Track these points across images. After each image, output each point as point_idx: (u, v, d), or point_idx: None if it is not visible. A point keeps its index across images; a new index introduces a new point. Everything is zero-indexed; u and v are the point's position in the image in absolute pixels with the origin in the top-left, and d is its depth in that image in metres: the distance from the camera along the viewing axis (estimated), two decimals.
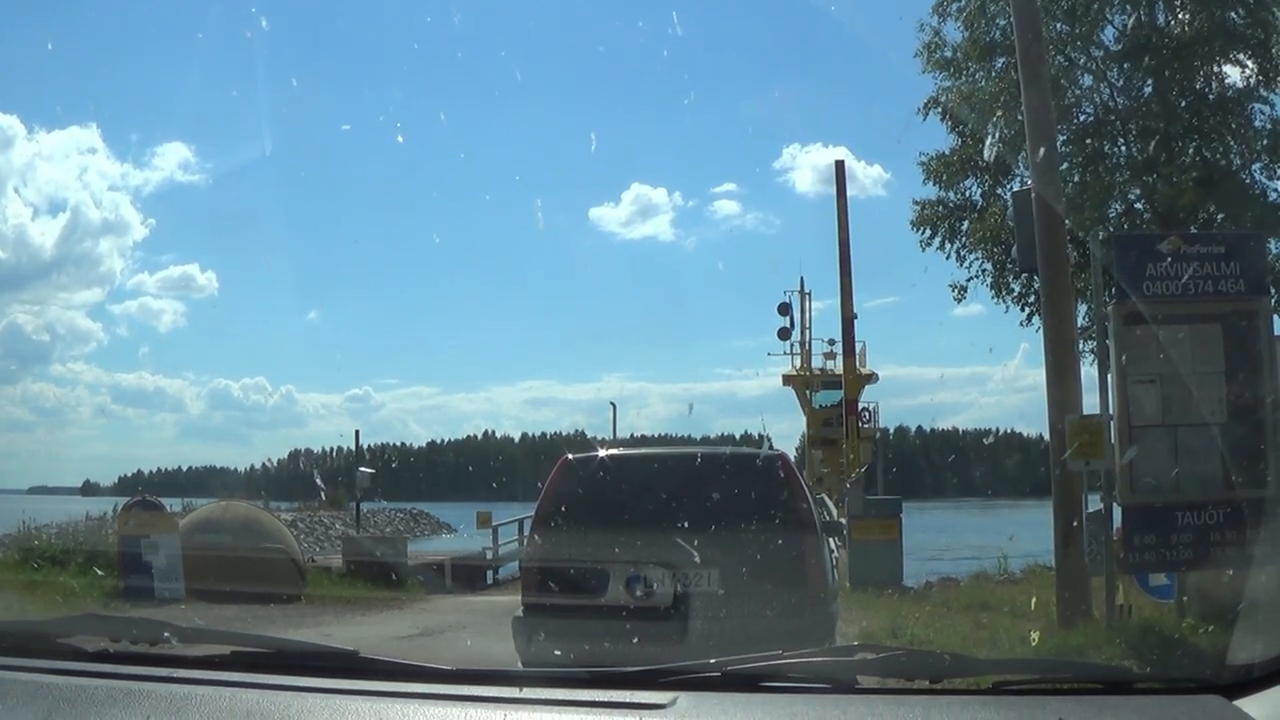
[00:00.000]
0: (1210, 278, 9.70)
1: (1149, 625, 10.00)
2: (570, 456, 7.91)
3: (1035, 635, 10.14)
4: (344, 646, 2.84)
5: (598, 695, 2.41)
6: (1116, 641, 9.35)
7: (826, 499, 27.07)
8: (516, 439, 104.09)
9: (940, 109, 19.47)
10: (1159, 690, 2.44)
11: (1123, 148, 19.14)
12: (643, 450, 10.09)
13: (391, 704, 2.39)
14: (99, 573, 15.68)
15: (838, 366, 36.19)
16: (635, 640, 6.00)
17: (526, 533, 25.88)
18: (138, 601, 14.14)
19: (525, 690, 2.46)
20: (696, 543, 6.74)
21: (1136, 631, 9.72)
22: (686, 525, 6.93)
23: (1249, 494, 9.36)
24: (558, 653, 5.08)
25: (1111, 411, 9.92)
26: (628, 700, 2.36)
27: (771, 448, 8.85)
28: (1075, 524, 10.83)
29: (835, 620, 7.80)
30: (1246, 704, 2.24)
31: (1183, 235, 10.71)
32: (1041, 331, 12.10)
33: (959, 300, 20.64)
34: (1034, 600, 11.93)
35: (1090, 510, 11.10)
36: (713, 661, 2.50)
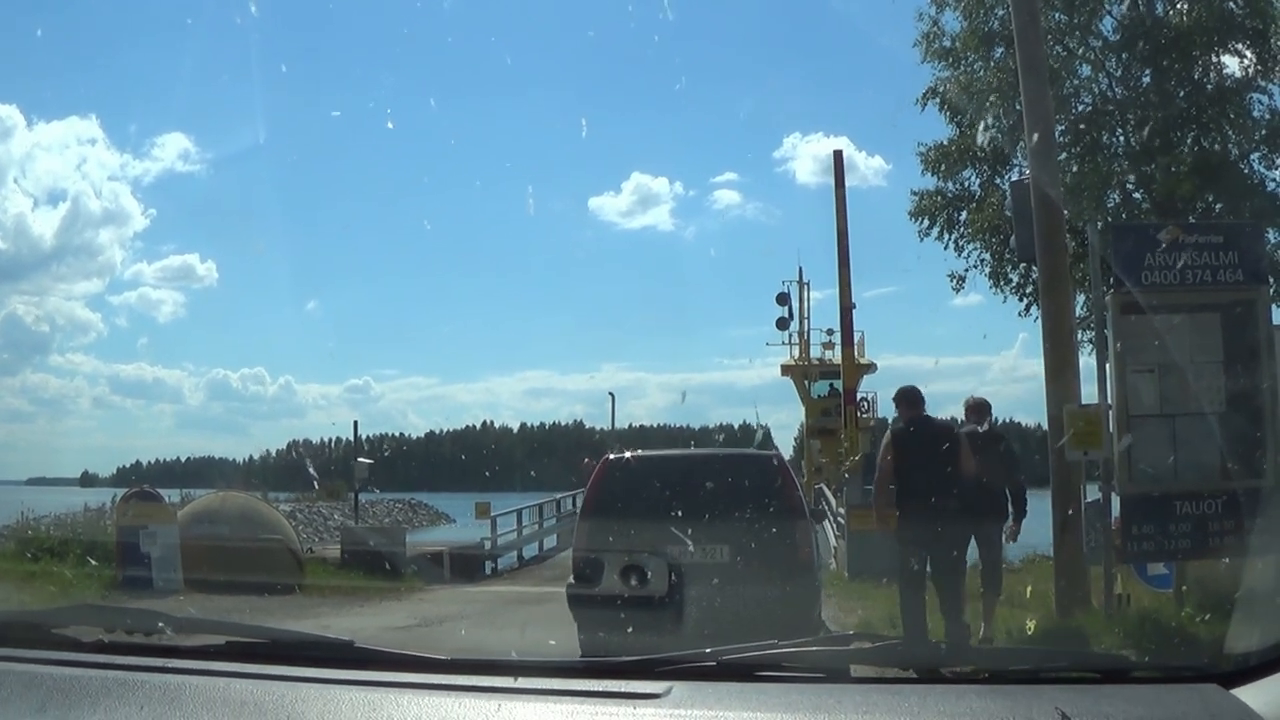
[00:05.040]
0: (1208, 267, 9.69)
1: (1147, 615, 9.99)
2: (611, 456, 10.09)
3: (1031, 624, 10.16)
4: (339, 637, 2.83)
5: (592, 685, 2.41)
6: (1115, 631, 9.36)
7: (825, 489, 27.09)
8: (515, 429, 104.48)
9: (939, 99, 19.43)
10: (1156, 679, 2.43)
11: (1120, 138, 19.10)
12: (667, 451, 12.21)
13: (386, 694, 2.39)
14: (96, 563, 15.69)
15: (836, 356, 36.21)
16: (660, 590, 7.75)
17: (538, 520, 26.33)
18: (136, 592, 14.16)
19: (520, 680, 2.46)
20: (713, 525, 8.77)
21: (1135, 621, 9.72)
22: (704, 511, 8.86)
23: (1247, 484, 9.37)
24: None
25: (1110, 401, 9.92)
26: (622, 690, 2.36)
27: (770, 442, 10.97)
28: (1071, 512, 10.84)
29: (820, 587, 10.17)
30: (1243, 693, 2.23)
31: (1181, 225, 10.69)
32: (1040, 321, 12.08)
33: (957, 290, 20.67)
34: (1029, 589, 11.94)
35: (1089, 500, 11.11)
36: (708, 651, 2.50)
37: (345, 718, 2.30)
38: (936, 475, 9.02)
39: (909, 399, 9.65)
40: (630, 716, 2.23)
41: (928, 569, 9.18)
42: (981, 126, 18.01)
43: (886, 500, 9.58)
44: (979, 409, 10.69)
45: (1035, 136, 11.46)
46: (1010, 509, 10.35)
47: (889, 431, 9.92)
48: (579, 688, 2.40)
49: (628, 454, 10.35)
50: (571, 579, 9.28)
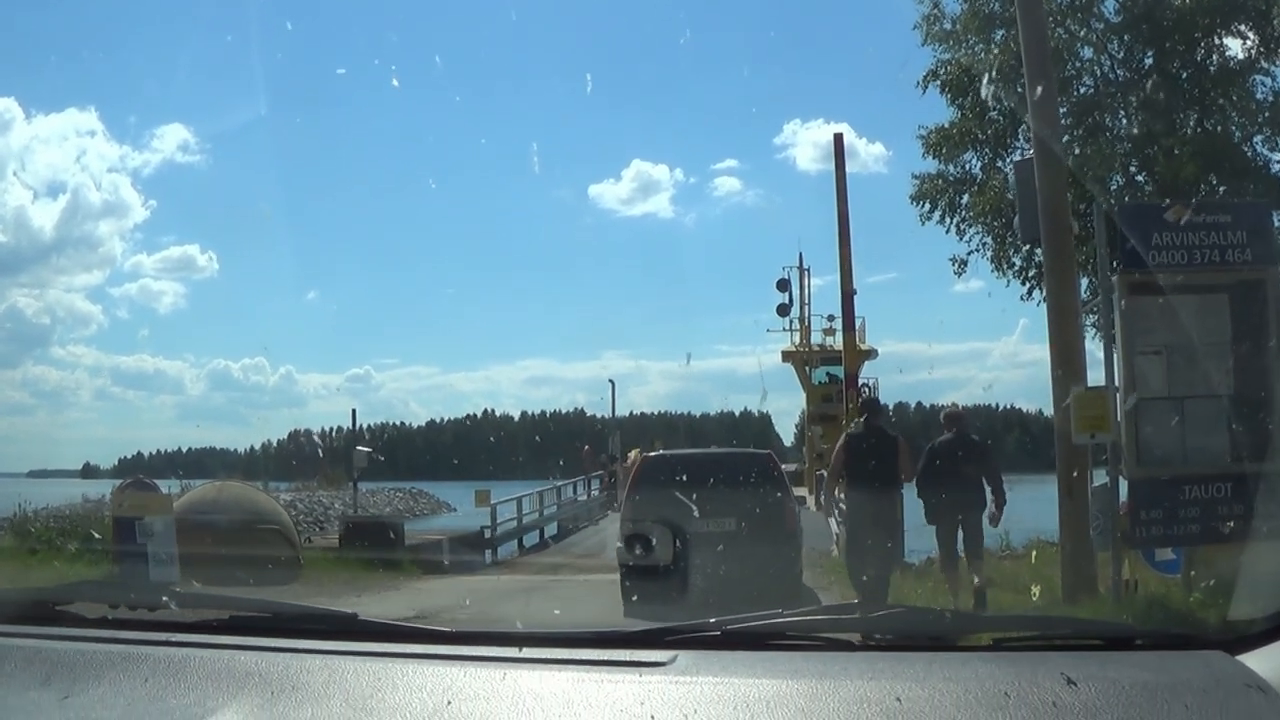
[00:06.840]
0: (1217, 247, 9.56)
1: (1155, 599, 9.92)
2: (648, 454, 14.64)
3: (1036, 590, 10.18)
4: (342, 610, 2.82)
5: (598, 654, 2.40)
6: (1123, 616, 9.31)
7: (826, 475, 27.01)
8: (516, 418, 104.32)
9: (939, 82, 19.33)
10: (1162, 646, 2.41)
11: (1123, 120, 19.04)
12: (689, 450, 17.44)
13: (390, 665, 2.38)
14: (92, 554, 15.67)
15: (837, 342, 36.16)
16: (683, 551, 10.93)
17: (539, 508, 27.00)
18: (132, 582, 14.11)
19: (525, 650, 2.45)
20: (723, 503, 12.25)
21: (1143, 606, 9.66)
22: (717, 494, 12.18)
23: (1256, 467, 9.26)
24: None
25: (1117, 384, 9.84)
26: (628, 659, 2.35)
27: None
28: (1078, 479, 10.77)
29: (802, 548, 13.49)
30: (1249, 659, 2.22)
31: (1187, 204, 10.52)
32: (1043, 305, 12.04)
33: (959, 275, 20.57)
34: (1034, 554, 12.15)
35: (1095, 484, 11.05)
36: (713, 621, 2.50)
37: (349, 688, 2.29)
38: (877, 476, 10.99)
39: (869, 408, 12.28)
40: (635, 684, 2.22)
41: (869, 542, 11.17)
42: (985, 80, 17.86)
43: (831, 488, 12.91)
44: (952, 419, 12.11)
45: (1039, 90, 11.36)
46: (991, 500, 11.64)
47: (844, 434, 12.30)
48: (584, 657, 2.39)
49: (659, 452, 14.84)
50: (620, 545, 12.35)
